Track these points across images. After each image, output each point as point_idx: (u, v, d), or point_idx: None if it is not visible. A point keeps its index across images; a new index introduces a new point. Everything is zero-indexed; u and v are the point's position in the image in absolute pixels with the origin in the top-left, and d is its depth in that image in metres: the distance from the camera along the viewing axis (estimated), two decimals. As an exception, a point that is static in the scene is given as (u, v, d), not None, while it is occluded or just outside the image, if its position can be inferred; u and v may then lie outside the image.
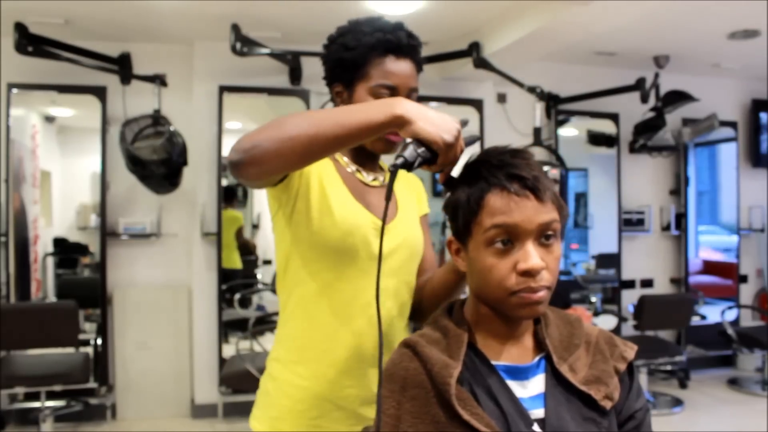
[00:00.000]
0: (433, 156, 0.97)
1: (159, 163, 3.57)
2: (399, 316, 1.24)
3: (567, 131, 4.84)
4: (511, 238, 0.89)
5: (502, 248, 0.89)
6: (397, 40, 1.20)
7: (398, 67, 1.20)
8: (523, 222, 0.88)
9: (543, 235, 0.90)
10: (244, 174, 1.01)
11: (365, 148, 1.25)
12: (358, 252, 1.18)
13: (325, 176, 1.20)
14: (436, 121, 0.95)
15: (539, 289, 0.89)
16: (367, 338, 1.18)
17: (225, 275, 4.08)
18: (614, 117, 4.77)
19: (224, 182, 4.06)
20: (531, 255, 0.88)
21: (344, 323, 1.18)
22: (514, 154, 0.94)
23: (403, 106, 0.96)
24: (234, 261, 4.31)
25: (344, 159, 1.26)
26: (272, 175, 1.05)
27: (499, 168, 0.91)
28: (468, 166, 0.97)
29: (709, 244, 5.43)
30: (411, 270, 1.28)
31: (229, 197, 4.26)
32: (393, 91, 1.19)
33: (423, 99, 3.76)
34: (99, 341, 3.83)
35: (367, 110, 0.97)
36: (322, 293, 1.19)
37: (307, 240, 1.18)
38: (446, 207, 0.99)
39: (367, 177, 1.27)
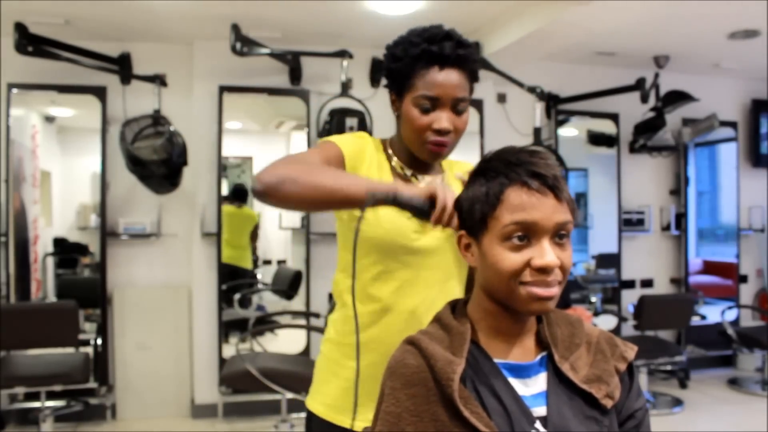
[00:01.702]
0: (426, 215, 1.05)
1: (159, 163, 3.57)
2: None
3: (567, 131, 4.84)
4: (528, 234, 0.89)
5: (517, 243, 0.90)
6: (440, 51, 1.21)
7: (441, 77, 1.21)
8: (542, 220, 0.89)
9: (557, 234, 0.90)
10: (266, 203, 1.09)
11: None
12: (399, 249, 1.26)
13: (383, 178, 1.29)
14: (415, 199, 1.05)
15: (552, 283, 0.89)
16: (410, 326, 1.20)
17: (233, 273, 4.08)
18: (614, 117, 4.76)
19: (224, 183, 4.06)
20: (547, 252, 0.88)
21: (389, 312, 1.27)
22: (532, 153, 0.94)
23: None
24: (245, 260, 4.31)
25: (397, 162, 1.33)
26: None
27: (519, 165, 0.91)
28: (484, 162, 0.97)
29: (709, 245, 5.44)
30: (458, 263, 1.32)
31: (242, 196, 4.26)
32: (434, 102, 1.22)
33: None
34: (99, 341, 3.83)
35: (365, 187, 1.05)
36: (369, 284, 1.28)
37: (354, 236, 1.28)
38: (459, 201, 1.00)
39: (420, 183, 1.32)
